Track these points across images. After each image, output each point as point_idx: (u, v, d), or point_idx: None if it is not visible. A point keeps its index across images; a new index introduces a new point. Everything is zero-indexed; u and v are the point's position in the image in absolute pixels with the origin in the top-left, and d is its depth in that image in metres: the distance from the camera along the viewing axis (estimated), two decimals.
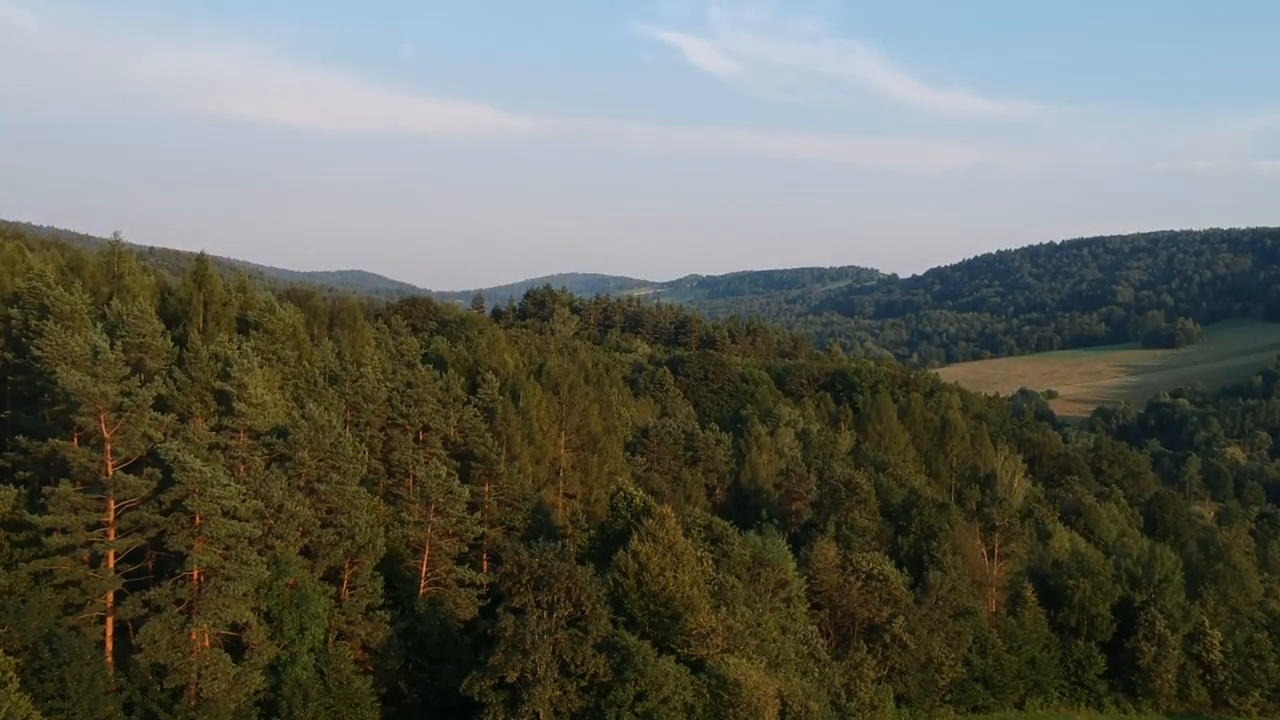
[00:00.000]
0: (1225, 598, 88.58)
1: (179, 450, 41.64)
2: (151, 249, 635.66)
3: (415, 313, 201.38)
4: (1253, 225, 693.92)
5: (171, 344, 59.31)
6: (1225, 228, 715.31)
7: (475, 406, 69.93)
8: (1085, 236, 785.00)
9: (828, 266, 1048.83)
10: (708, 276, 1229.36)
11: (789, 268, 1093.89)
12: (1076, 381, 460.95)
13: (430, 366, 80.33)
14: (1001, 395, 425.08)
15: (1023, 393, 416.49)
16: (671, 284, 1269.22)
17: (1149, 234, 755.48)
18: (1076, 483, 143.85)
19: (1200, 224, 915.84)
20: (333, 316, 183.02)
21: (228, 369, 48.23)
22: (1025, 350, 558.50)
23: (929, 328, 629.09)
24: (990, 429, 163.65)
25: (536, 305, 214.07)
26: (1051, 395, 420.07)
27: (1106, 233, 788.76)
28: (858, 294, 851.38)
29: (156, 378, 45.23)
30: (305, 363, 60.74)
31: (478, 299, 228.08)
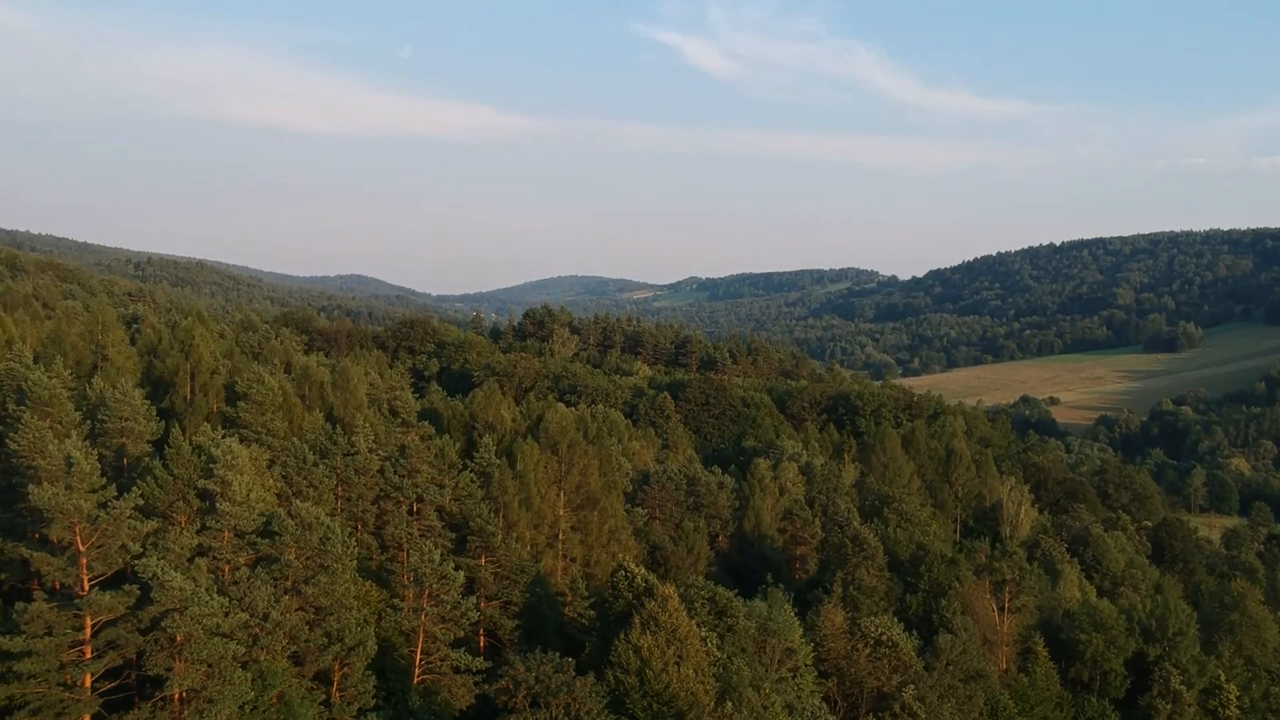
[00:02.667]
0: (1240, 648, 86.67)
1: (157, 566, 39.66)
2: (150, 259, 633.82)
3: (413, 335, 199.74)
4: (1253, 226, 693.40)
5: (157, 422, 57.43)
6: (1226, 228, 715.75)
7: (471, 471, 67.91)
8: (1085, 238, 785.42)
9: (827, 268, 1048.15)
10: (707, 279, 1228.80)
11: (789, 270, 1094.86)
12: (1079, 387, 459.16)
13: (426, 423, 78.58)
14: (1004, 402, 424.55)
15: (1025, 400, 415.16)
16: (671, 286, 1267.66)
17: (1149, 235, 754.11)
18: (1084, 511, 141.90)
19: (1200, 224, 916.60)
20: (326, 345, 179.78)
21: (211, 466, 46.24)
22: (1027, 355, 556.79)
23: (930, 332, 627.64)
24: (995, 452, 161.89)
25: (535, 325, 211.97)
26: (1054, 402, 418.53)
27: (1106, 234, 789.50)
28: (858, 297, 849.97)
29: (134, 488, 43.21)
30: (294, 439, 58.74)
31: (476, 319, 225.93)
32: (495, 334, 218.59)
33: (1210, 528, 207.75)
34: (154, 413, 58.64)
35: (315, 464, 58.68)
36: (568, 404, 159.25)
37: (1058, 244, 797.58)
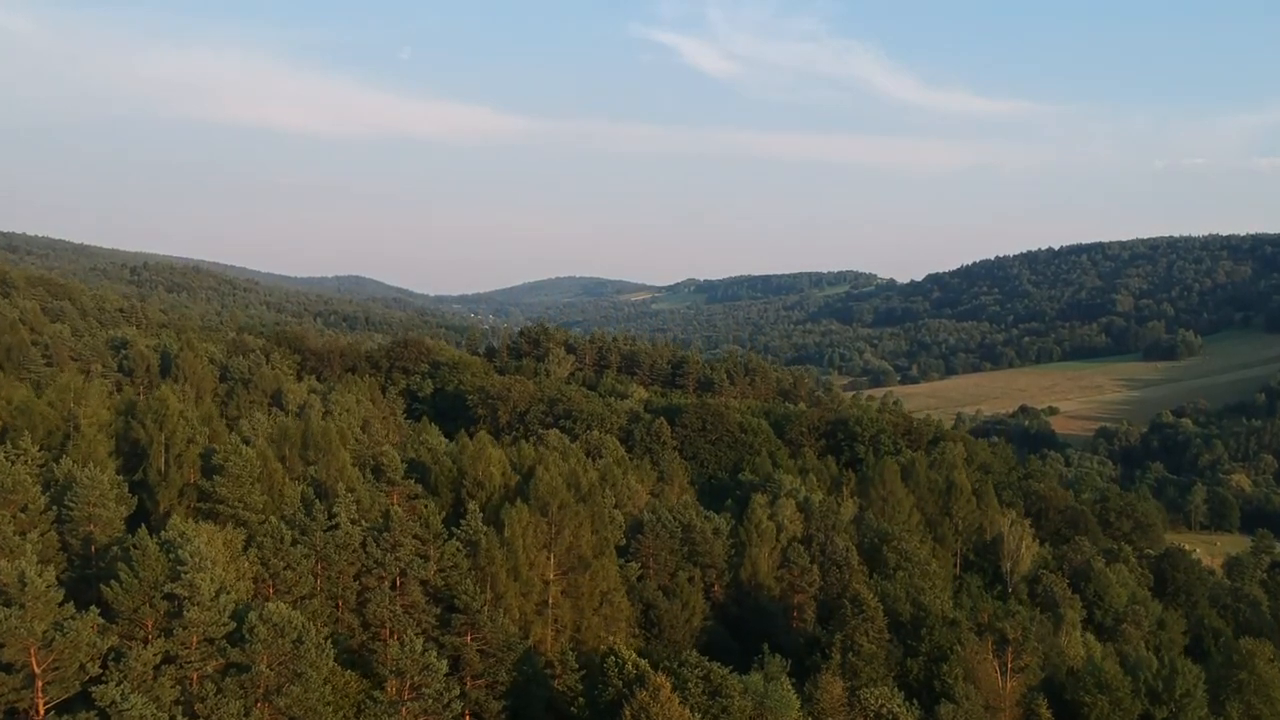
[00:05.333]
0: (1249, 708, 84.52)
1: (116, 693, 37.44)
2: (146, 263, 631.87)
3: (407, 355, 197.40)
4: (1252, 231, 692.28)
5: (129, 500, 55.26)
6: (1225, 233, 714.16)
7: (458, 540, 65.64)
8: (1084, 243, 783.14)
9: (825, 271, 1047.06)
10: (705, 281, 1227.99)
11: (787, 272, 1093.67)
12: (1078, 396, 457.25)
13: (412, 481, 76.35)
14: (1003, 411, 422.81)
15: (1024, 410, 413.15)
16: (670, 288, 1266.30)
17: (1148, 240, 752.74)
18: (1085, 543, 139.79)
19: (1200, 229, 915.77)
20: (319, 366, 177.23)
21: (179, 569, 43.99)
22: (1025, 362, 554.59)
23: (928, 338, 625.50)
24: (995, 479, 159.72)
25: (531, 343, 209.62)
26: (1053, 412, 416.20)
27: (1105, 238, 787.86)
28: (856, 300, 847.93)
29: (93, 608, 40.98)
30: (272, 518, 56.45)
31: (471, 336, 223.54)
32: (490, 352, 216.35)
33: (1213, 553, 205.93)
34: (126, 489, 56.49)
35: (293, 543, 56.48)
36: (562, 429, 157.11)
37: (1056, 248, 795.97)
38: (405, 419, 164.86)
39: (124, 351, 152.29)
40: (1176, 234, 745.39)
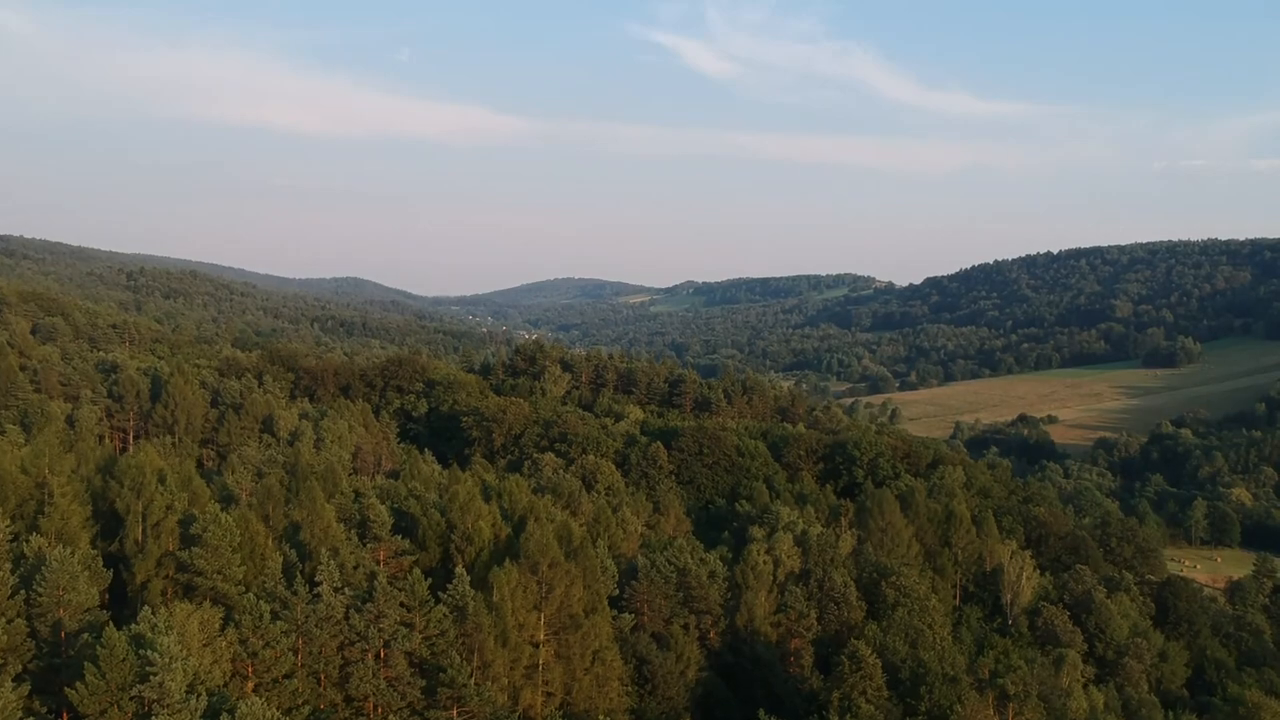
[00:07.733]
0: None
1: None
2: (143, 268, 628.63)
3: (401, 373, 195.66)
4: (1251, 236, 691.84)
5: (104, 574, 53.52)
6: (1224, 238, 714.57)
7: (444, 605, 63.83)
8: (1083, 246, 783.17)
9: (824, 274, 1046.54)
10: (704, 283, 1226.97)
11: (786, 275, 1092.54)
12: (1077, 404, 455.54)
13: (399, 537, 74.55)
14: (1001, 420, 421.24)
15: (1023, 419, 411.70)
16: (668, 290, 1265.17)
17: (1147, 244, 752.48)
18: (1086, 573, 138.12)
19: (1198, 233, 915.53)
20: (312, 385, 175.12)
21: (149, 670, 42.21)
22: (1024, 369, 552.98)
23: (927, 343, 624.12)
24: (994, 504, 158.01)
25: (527, 361, 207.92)
26: (1052, 420, 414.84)
27: (1104, 242, 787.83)
28: (855, 304, 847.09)
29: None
30: (250, 595, 54.60)
31: (465, 353, 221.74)
32: (486, 369, 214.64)
33: (1214, 570, 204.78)
34: (101, 563, 54.74)
35: (274, 618, 54.71)
36: (558, 453, 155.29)
37: (1055, 252, 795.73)
38: (399, 442, 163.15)
39: (114, 376, 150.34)
40: (1175, 238, 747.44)
